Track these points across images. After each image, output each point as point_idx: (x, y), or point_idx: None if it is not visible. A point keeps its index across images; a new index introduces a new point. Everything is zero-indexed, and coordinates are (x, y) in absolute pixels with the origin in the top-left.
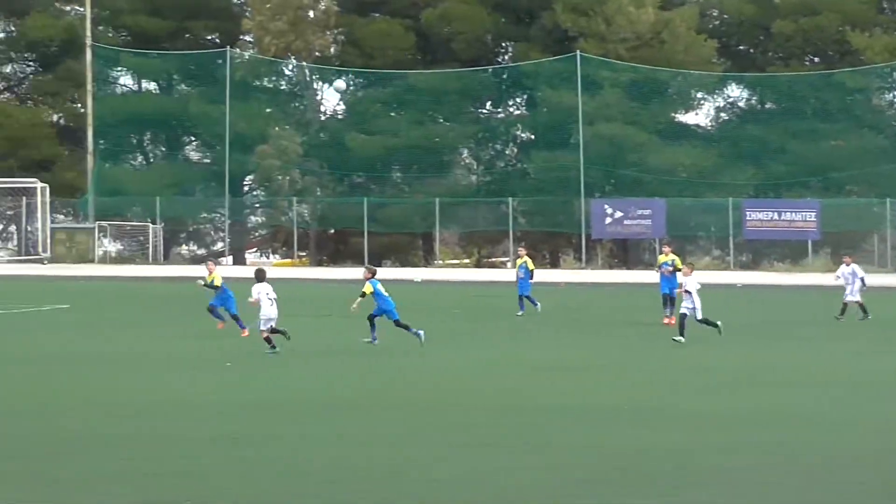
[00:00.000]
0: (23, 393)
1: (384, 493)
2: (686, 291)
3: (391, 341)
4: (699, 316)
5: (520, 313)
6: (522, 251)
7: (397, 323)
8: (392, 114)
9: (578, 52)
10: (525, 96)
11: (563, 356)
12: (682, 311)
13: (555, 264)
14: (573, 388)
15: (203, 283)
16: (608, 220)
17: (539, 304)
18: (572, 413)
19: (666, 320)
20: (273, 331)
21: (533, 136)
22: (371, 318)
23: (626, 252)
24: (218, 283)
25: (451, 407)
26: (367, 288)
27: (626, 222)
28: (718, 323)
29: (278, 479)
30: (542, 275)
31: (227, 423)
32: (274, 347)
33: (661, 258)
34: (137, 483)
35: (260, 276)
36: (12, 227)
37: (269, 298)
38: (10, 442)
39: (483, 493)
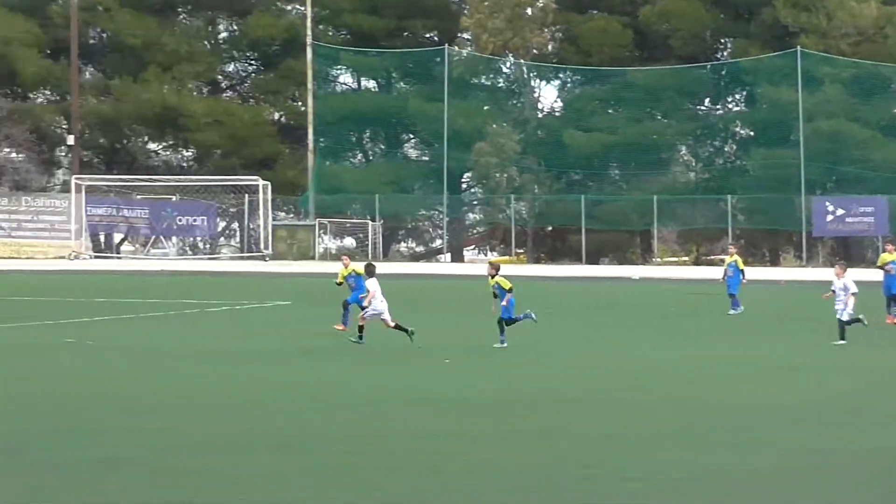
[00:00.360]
0: (244, 386)
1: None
2: None
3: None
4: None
5: (732, 312)
6: (733, 249)
7: (508, 321)
8: (609, 111)
9: (799, 47)
10: (744, 93)
11: (781, 355)
12: None
13: (774, 262)
14: (788, 386)
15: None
16: (829, 217)
17: (741, 308)
18: (783, 412)
19: (889, 320)
20: (398, 327)
21: (752, 133)
22: (509, 321)
23: (848, 250)
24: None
25: (682, 406)
26: (506, 284)
27: (847, 220)
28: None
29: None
30: (762, 273)
31: (467, 417)
32: (361, 339)
33: (886, 257)
34: (363, 478)
35: (370, 270)
36: (235, 224)
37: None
38: (241, 436)
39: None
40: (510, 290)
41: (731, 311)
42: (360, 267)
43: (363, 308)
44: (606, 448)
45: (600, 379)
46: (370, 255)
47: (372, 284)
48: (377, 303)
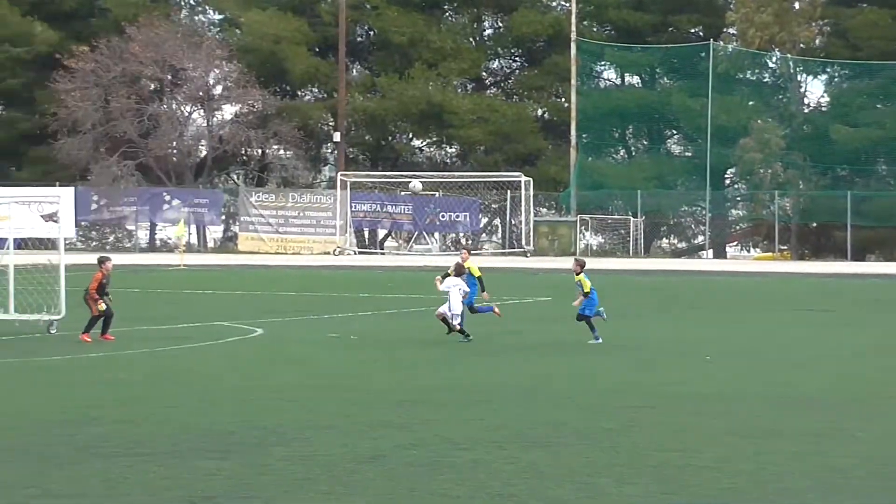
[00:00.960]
0: (495, 379)
1: None
2: None
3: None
4: None
5: None
6: None
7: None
8: (878, 105)
9: None
10: None
11: None
12: None
13: None
14: None
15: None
16: None
17: None
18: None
19: None
20: (449, 325)
21: None
22: (586, 318)
23: None
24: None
25: None
26: (586, 284)
27: None
28: None
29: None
30: None
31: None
32: (468, 336)
33: None
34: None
35: (459, 270)
36: (497, 221)
37: (461, 292)
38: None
39: None
40: (587, 293)
41: None
42: (475, 269)
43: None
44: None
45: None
46: (631, 252)
47: (449, 282)
48: (456, 303)
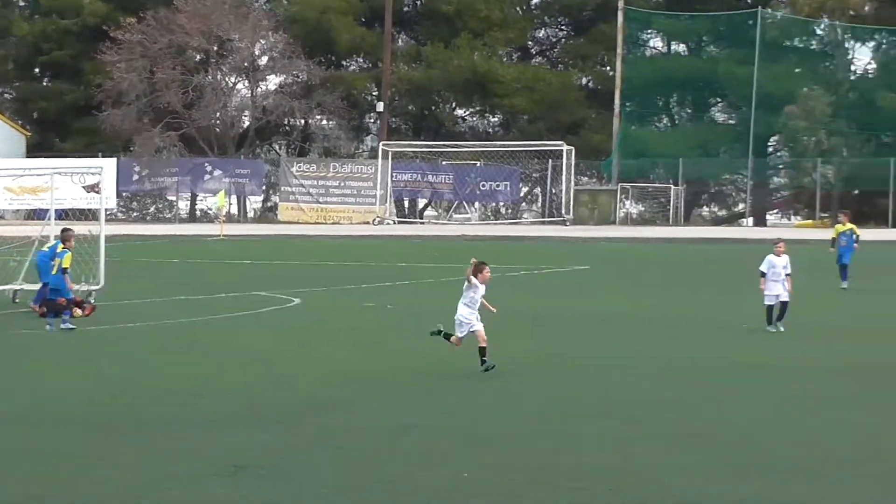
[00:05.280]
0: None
1: None
2: None
3: None
4: None
5: None
6: None
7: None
8: None
9: None
10: None
11: None
12: None
13: None
14: None
15: None
16: None
17: None
18: None
19: None
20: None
21: None
22: None
23: None
24: None
25: None
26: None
27: None
28: None
29: None
30: None
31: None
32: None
33: None
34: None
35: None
36: (538, 189)
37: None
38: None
39: None
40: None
41: None
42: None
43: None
44: None
45: None
46: (671, 220)
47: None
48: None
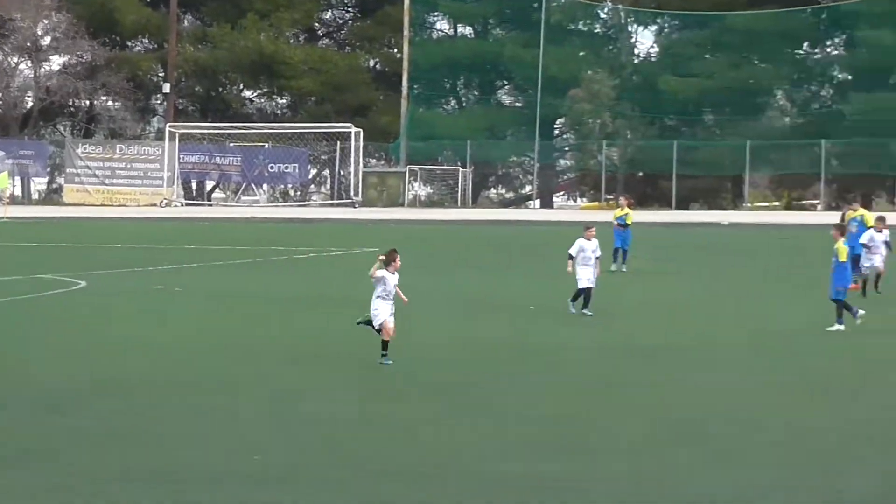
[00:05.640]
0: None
1: None
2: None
3: None
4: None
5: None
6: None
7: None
8: (706, 56)
9: None
10: (843, 36)
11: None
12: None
13: (866, 207)
14: None
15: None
16: None
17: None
18: None
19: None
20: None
21: (850, 77)
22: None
23: None
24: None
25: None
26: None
27: None
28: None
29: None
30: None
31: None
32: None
33: (851, 214)
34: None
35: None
36: (326, 172)
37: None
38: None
39: None
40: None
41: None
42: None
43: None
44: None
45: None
46: (459, 202)
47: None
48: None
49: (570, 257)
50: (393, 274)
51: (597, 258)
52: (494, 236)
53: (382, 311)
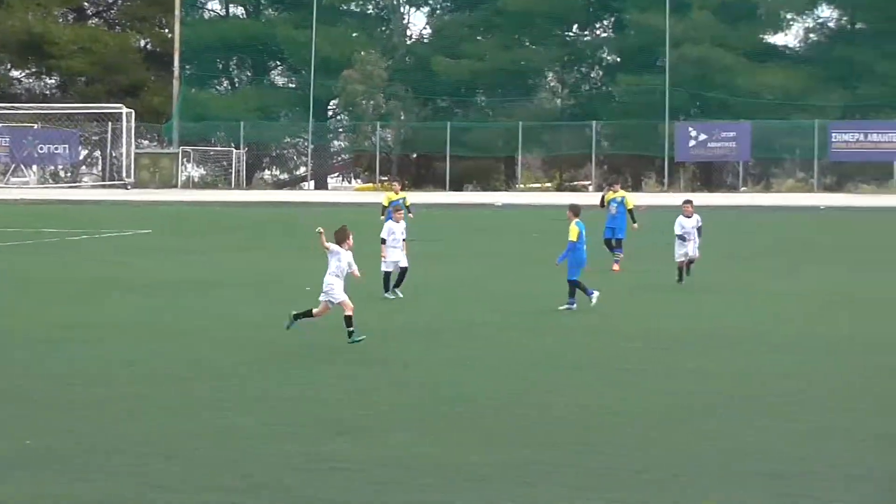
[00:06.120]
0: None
1: None
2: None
3: None
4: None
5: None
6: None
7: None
8: (479, 38)
9: None
10: (612, 19)
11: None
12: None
13: (637, 187)
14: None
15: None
16: (692, 142)
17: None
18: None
19: (617, 266)
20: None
21: (619, 59)
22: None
23: (710, 175)
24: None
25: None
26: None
27: (710, 145)
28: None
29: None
30: None
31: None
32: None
33: (610, 195)
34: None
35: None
36: (97, 153)
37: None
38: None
39: None
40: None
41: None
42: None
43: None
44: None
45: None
46: (233, 183)
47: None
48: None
49: (382, 241)
50: (347, 251)
51: (404, 240)
52: (269, 218)
53: (337, 288)
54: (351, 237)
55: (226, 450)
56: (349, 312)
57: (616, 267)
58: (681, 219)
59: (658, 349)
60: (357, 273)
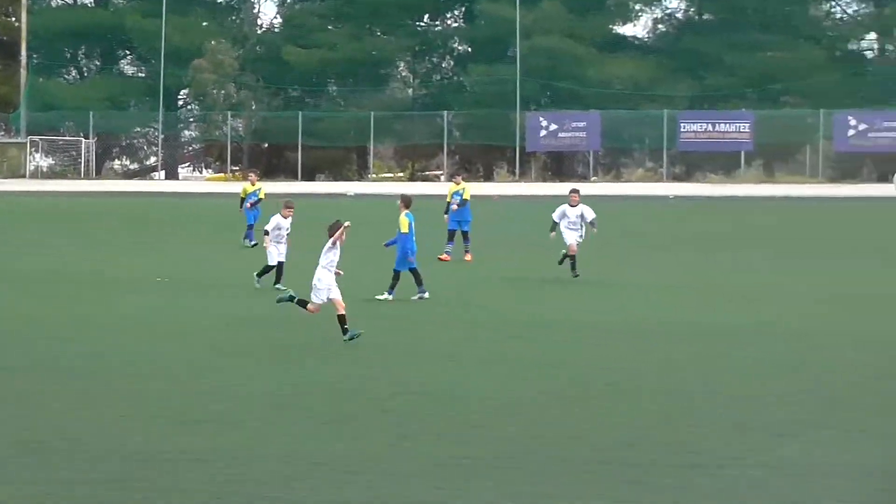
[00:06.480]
0: None
1: None
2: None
3: None
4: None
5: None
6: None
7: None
8: (329, 27)
9: None
10: (463, 9)
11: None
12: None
13: (488, 178)
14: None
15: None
16: (543, 132)
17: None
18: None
19: (445, 256)
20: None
21: (470, 50)
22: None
23: (561, 165)
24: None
25: None
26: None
27: (560, 135)
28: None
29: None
30: (476, 188)
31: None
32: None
33: (454, 188)
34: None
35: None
36: None
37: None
38: None
39: None
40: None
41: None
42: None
43: None
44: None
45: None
46: (83, 173)
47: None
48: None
49: (266, 233)
50: (341, 247)
51: (287, 234)
52: (121, 207)
53: (325, 281)
54: (344, 235)
55: None
56: (341, 312)
57: (468, 257)
58: (565, 207)
59: (513, 337)
60: (339, 270)
